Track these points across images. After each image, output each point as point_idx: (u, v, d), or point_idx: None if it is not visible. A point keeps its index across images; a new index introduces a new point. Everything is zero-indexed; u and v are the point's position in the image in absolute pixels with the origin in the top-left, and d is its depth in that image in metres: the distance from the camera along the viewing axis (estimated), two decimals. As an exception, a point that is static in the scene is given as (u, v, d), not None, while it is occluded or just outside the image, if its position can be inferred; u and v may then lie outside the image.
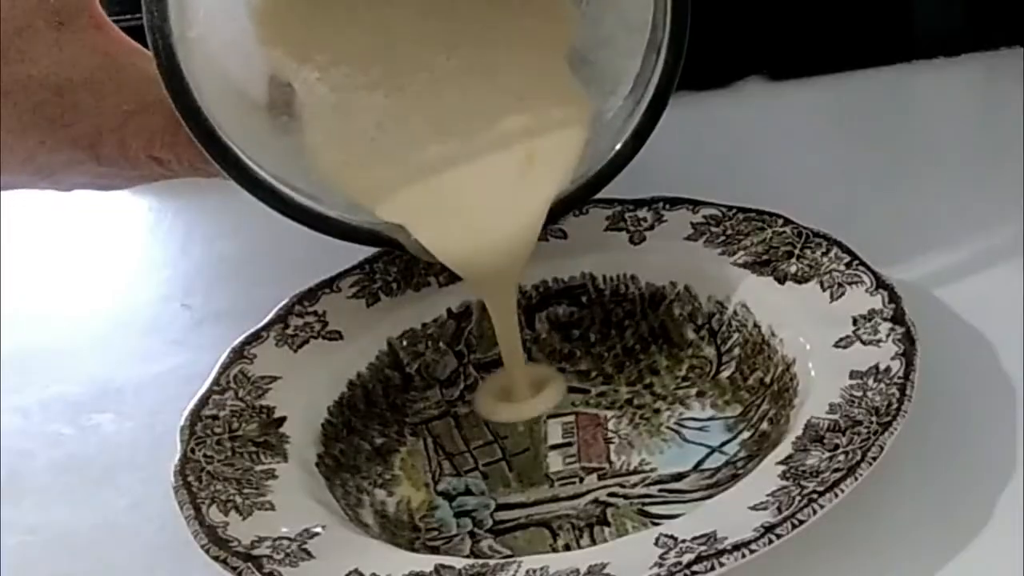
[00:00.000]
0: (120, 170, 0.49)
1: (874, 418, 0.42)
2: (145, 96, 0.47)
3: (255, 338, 0.51)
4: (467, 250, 0.49)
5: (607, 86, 0.50)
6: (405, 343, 0.52)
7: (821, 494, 0.40)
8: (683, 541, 0.40)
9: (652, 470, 0.47)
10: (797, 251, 0.50)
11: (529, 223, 0.48)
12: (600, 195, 0.54)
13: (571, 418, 0.50)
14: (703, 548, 0.39)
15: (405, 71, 0.49)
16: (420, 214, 0.48)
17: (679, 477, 0.46)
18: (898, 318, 0.46)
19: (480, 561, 0.41)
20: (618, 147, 0.49)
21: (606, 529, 0.44)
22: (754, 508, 0.40)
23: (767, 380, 0.48)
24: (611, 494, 0.46)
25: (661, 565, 0.39)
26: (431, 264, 0.53)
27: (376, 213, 0.48)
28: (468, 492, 0.47)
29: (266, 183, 0.46)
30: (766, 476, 0.42)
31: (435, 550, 0.44)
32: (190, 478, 0.44)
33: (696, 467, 0.46)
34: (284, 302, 0.52)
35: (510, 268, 0.49)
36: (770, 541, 0.39)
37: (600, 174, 0.49)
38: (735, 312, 0.50)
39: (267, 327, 0.51)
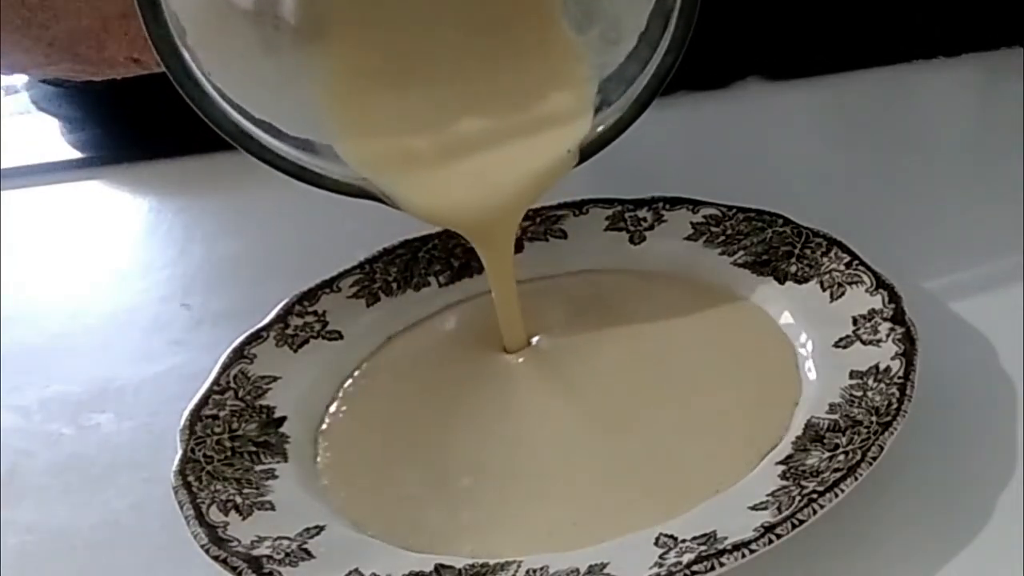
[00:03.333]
0: (96, 67, 0.48)
1: (874, 418, 0.42)
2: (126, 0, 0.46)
3: (255, 338, 0.51)
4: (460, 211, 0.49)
5: (611, 32, 0.48)
6: (405, 343, 0.52)
7: (821, 494, 0.40)
8: (683, 541, 0.40)
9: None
10: (797, 251, 0.50)
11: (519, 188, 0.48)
12: (600, 195, 0.54)
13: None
14: (703, 548, 0.39)
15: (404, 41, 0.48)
16: (413, 179, 0.48)
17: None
18: (898, 318, 0.46)
19: (480, 561, 0.41)
20: (620, 114, 0.47)
21: (606, 529, 0.44)
22: (754, 508, 0.40)
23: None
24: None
25: (661, 565, 0.39)
26: (431, 263, 0.53)
27: (365, 175, 0.47)
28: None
29: (243, 126, 0.45)
30: (766, 476, 0.42)
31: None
32: (190, 478, 0.44)
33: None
34: (284, 302, 0.52)
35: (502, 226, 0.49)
36: (770, 541, 0.39)
37: (591, 145, 0.48)
38: (735, 312, 0.51)
39: (267, 327, 0.51)
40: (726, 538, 0.39)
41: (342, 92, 0.47)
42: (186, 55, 0.43)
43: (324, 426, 0.48)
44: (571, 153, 0.48)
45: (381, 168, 0.48)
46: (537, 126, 0.48)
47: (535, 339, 0.51)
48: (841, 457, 0.41)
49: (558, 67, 0.48)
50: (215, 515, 0.43)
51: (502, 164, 0.48)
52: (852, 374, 0.45)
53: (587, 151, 0.48)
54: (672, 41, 0.46)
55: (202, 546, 0.42)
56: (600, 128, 0.48)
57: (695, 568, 0.38)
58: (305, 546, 0.42)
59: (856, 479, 0.40)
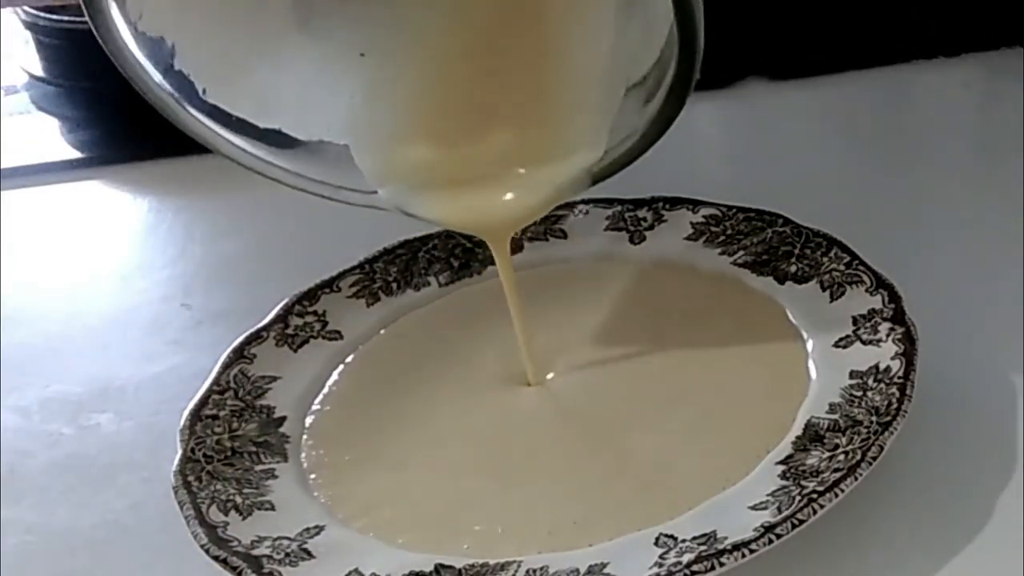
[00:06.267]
0: None
1: (874, 418, 0.42)
2: None
3: (255, 338, 0.51)
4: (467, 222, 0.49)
5: (646, 29, 0.46)
6: (405, 343, 0.52)
7: (821, 494, 0.40)
8: (683, 541, 0.40)
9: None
10: (797, 251, 0.50)
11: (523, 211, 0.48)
12: (600, 195, 0.54)
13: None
14: (703, 548, 0.39)
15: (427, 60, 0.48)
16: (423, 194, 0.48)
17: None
18: (898, 318, 0.46)
19: (480, 561, 0.41)
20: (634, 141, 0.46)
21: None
22: (754, 508, 0.40)
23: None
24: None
25: (661, 565, 0.39)
26: (431, 263, 0.53)
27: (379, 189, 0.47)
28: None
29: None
30: (766, 476, 0.42)
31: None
32: (190, 478, 0.44)
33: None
34: (284, 302, 0.52)
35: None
36: (770, 541, 0.39)
37: (606, 169, 0.47)
38: (735, 312, 0.51)
39: (267, 327, 0.51)
40: (726, 538, 0.39)
41: (377, 97, 0.47)
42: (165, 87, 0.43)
43: (310, 422, 0.48)
44: (585, 175, 0.47)
45: (397, 179, 0.47)
46: (558, 143, 0.48)
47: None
48: (841, 457, 0.41)
49: (585, 79, 0.48)
50: (215, 515, 0.43)
51: (517, 182, 0.48)
52: (852, 374, 0.45)
53: (599, 175, 0.47)
54: (675, 78, 0.43)
55: (202, 546, 0.42)
56: (618, 151, 0.47)
57: (695, 568, 0.38)
58: (305, 546, 0.42)
59: (856, 479, 0.40)
